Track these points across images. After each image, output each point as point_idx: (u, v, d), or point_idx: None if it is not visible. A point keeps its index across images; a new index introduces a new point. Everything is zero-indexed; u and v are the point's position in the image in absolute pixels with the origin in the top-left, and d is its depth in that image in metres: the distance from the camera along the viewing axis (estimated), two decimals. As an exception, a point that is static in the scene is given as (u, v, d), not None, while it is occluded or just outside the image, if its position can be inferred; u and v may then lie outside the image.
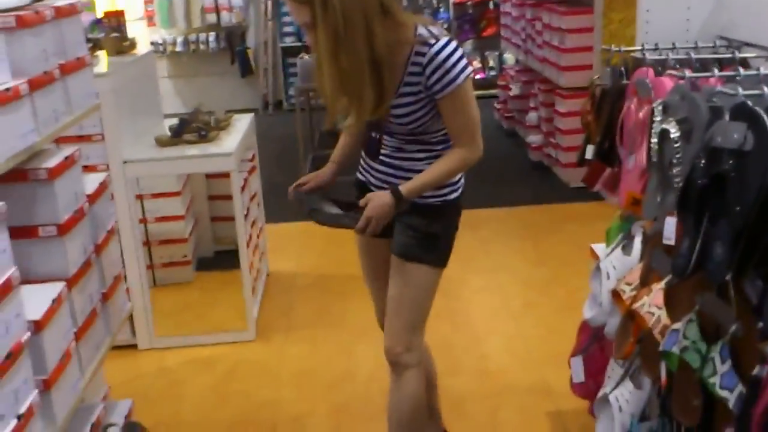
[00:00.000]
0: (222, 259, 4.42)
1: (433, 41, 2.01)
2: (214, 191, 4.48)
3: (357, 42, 1.95)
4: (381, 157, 2.24)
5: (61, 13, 2.01)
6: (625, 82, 2.11)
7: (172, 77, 8.55)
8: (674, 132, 1.68)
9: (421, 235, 2.21)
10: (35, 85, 1.80)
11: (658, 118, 1.79)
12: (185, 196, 4.21)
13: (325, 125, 2.24)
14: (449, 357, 3.32)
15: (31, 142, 1.76)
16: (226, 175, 3.90)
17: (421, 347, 2.33)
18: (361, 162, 2.36)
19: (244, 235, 3.57)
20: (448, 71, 2.01)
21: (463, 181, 2.30)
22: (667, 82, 1.87)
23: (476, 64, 8.76)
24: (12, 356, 1.53)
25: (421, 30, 2.03)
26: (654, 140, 1.79)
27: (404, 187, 2.11)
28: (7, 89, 1.65)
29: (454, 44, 2.03)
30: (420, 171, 2.16)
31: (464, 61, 2.04)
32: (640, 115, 1.93)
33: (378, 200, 2.09)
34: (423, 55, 2.02)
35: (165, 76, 8.35)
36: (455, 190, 2.26)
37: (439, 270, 2.27)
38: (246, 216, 3.72)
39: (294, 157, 5.96)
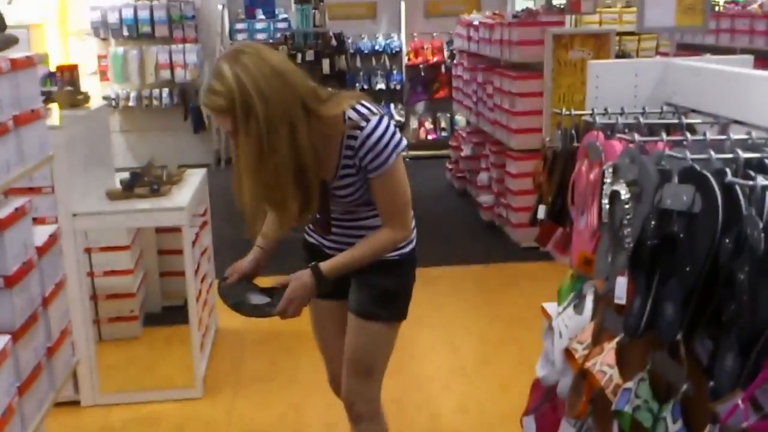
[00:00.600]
0: (170, 314, 4.35)
1: (363, 123, 2.01)
2: (164, 246, 4.43)
3: (281, 151, 1.92)
4: (333, 223, 2.23)
5: (17, 65, 2.00)
6: (575, 144, 2.17)
7: (124, 131, 8.50)
8: (624, 194, 1.72)
9: (378, 293, 2.21)
10: (-12, 134, 1.78)
11: (608, 180, 1.84)
12: (134, 250, 4.15)
13: (246, 235, 2.21)
14: (401, 416, 3.29)
15: (-19, 192, 1.73)
16: (176, 230, 3.86)
17: (378, 399, 2.33)
18: (309, 226, 2.33)
19: (193, 290, 3.52)
20: (379, 153, 2.02)
21: (415, 232, 2.32)
22: (617, 146, 1.92)
23: (428, 125, 8.91)
24: (-48, 412, 1.47)
25: (351, 113, 2.02)
26: (605, 201, 1.84)
27: (326, 266, 2.10)
28: (-40, 138, 1.63)
29: (384, 122, 2.04)
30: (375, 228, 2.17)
31: (395, 138, 2.04)
32: (591, 176, 1.97)
33: (298, 281, 2.09)
34: (355, 138, 2.03)
35: (117, 131, 8.29)
36: (410, 242, 2.27)
37: (397, 324, 2.29)
38: (196, 271, 3.67)
39: (246, 212, 5.91)
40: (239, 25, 8.53)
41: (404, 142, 2.08)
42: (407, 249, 2.25)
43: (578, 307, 2.15)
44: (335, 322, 2.35)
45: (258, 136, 1.88)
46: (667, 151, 1.71)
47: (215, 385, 3.57)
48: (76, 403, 3.40)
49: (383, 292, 2.21)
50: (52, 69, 4.19)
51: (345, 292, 2.27)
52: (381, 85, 8.76)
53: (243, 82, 1.85)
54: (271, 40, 8.41)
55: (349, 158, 2.05)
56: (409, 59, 8.76)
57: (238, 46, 1.97)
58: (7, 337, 1.78)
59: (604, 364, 1.84)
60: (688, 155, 1.60)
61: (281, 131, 1.90)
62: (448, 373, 3.72)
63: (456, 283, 4.97)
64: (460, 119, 8.22)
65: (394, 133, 2.05)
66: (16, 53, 2.10)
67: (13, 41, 2.07)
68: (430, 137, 8.90)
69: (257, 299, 2.19)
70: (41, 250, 2.04)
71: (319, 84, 2.07)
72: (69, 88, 3.74)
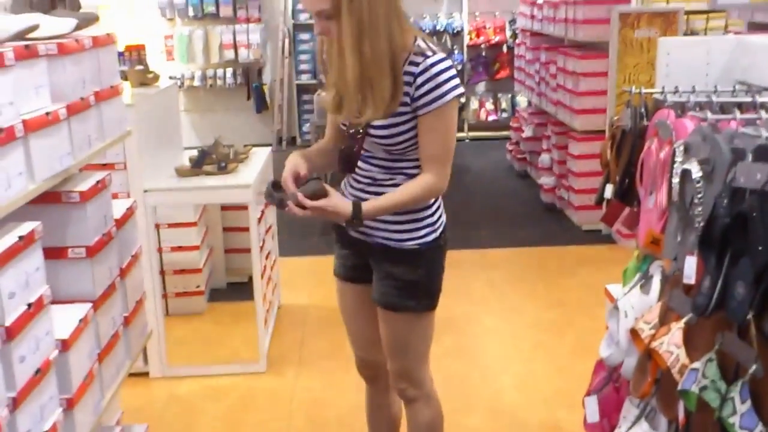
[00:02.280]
0: (234, 290, 4.46)
1: (429, 53, 2.00)
2: (229, 223, 4.53)
3: (379, 31, 1.94)
4: (354, 186, 2.19)
5: (98, 42, 2.07)
6: (645, 123, 2.15)
7: (188, 111, 8.65)
8: (696, 172, 1.71)
9: (401, 284, 2.16)
10: (72, 110, 1.85)
11: (679, 159, 1.82)
12: (201, 227, 4.25)
13: (341, 118, 2.13)
14: (462, 394, 3.32)
15: (66, 165, 1.80)
16: (241, 208, 3.95)
17: (428, 381, 2.32)
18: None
19: (258, 267, 3.60)
20: (438, 86, 1.98)
21: (443, 219, 2.26)
22: (688, 124, 1.90)
23: (489, 105, 8.85)
24: (40, 372, 1.55)
25: (420, 42, 2.02)
26: (675, 180, 1.82)
27: (365, 206, 2.04)
28: (48, 113, 1.70)
29: (449, 62, 2.01)
30: None
31: (456, 81, 2.01)
32: (661, 155, 1.96)
33: (338, 206, 2.01)
34: (417, 65, 1.99)
35: (182, 110, 8.45)
36: (434, 231, 2.19)
37: (426, 313, 2.22)
38: (261, 248, 3.75)
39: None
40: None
41: (462, 89, 2.04)
42: (429, 238, 2.17)
43: (645, 287, 2.14)
44: (361, 308, 2.32)
45: (360, 14, 1.92)
46: (741, 129, 1.69)
47: (279, 360, 3.65)
48: (145, 374, 3.52)
49: (407, 284, 2.16)
50: (121, 49, 4.30)
51: (367, 276, 2.24)
52: (442, 66, 8.73)
53: None
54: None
55: (405, 85, 2.01)
56: (470, 39, 8.70)
57: None
58: (88, 306, 1.85)
59: (671, 344, 1.84)
60: (763, 133, 1.58)
61: (381, 15, 1.93)
62: (506, 355, 3.73)
63: (516, 265, 4.96)
64: (522, 100, 8.14)
65: (454, 75, 2.01)
66: (95, 31, 2.17)
67: (93, 19, 2.14)
68: (490, 118, 8.85)
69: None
70: (119, 223, 2.11)
71: None
72: (140, 66, 3.83)
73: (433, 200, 2.20)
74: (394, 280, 2.15)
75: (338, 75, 2.03)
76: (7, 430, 1.42)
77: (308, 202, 1.97)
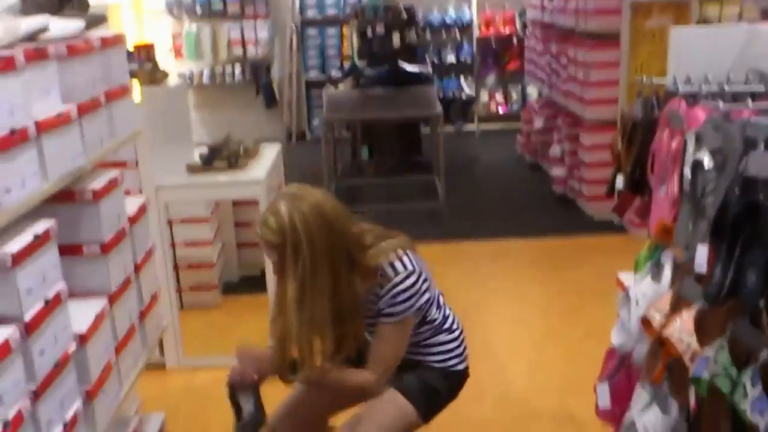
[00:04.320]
0: (247, 284, 4.49)
1: (393, 276, 2.07)
2: (241, 218, 4.56)
3: (321, 294, 2.00)
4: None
5: (107, 42, 2.09)
6: (656, 113, 2.15)
7: (197, 108, 8.68)
8: (708, 162, 1.72)
9: (425, 386, 2.25)
10: (83, 110, 1.87)
11: (691, 149, 1.83)
12: (213, 223, 4.28)
13: (272, 370, 2.20)
14: (473, 383, 3.31)
15: (79, 164, 1.82)
16: (252, 203, 3.96)
17: None
18: None
19: (270, 262, 3.61)
20: (394, 305, 2.07)
21: (467, 352, 2.36)
22: (700, 114, 1.90)
23: (499, 97, 8.85)
24: (59, 365, 1.58)
25: (387, 269, 2.08)
26: (687, 170, 1.83)
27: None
28: (59, 114, 1.72)
29: (413, 281, 2.08)
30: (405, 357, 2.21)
31: (415, 301, 2.09)
32: (673, 145, 1.96)
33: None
34: (382, 287, 2.08)
35: (191, 108, 8.47)
36: (461, 362, 2.33)
37: (417, 421, 2.24)
38: (273, 242, 3.77)
39: (319, 185, 6.00)
40: (310, 0, 8.60)
41: (424, 301, 2.13)
42: (461, 366, 2.34)
43: (656, 276, 2.15)
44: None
45: (302, 278, 1.98)
46: (753, 119, 1.69)
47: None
48: (161, 366, 3.56)
49: (432, 388, 2.25)
50: (129, 48, 4.32)
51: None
52: (451, 59, 8.72)
53: (296, 227, 1.95)
54: (341, 15, 8.47)
55: (372, 303, 2.11)
56: (480, 31, 8.69)
57: (297, 190, 2.06)
58: (104, 300, 1.88)
59: (683, 332, 1.85)
60: (774, 122, 1.59)
61: (324, 277, 1.99)
62: (518, 343, 3.75)
63: (527, 255, 4.96)
64: (532, 91, 8.13)
65: (415, 293, 2.09)
66: (104, 31, 2.19)
67: (101, 19, 2.16)
68: (500, 110, 8.84)
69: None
70: (132, 220, 2.14)
71: (365, 226, 2.15)
72: (148, 65, 3.85)
73: (458, 332, 2.34)
74: (424, 381, 2.24)
75: (280, 330, 2.08)
76: (30, 420, 1.45)
77: None
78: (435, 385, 2.26)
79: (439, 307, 2.29)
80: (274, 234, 1.97)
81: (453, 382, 2.32)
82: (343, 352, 2.12)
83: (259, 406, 2.25)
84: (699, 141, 1.79)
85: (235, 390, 2.24)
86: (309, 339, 2.04)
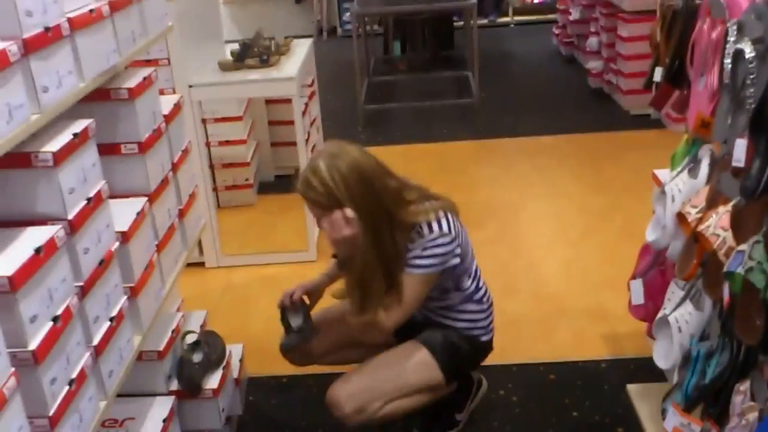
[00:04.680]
0: (282, 183, 4.53)
1: (427, 233, 2.13)
2: (274, 117, 4.55)
3: (366, 247, 2.08)
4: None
5: (136, -65, 2.05)
6: (697, 1, 2.08)
7: (227, 3, 8.54)
8: (749, 52, 1.66)
9: (450, 345, 2.31)
10: (115, 7, 1.86)
11: (732, 38, 1.77)
12: (246, 121, 4.29)
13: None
14: (507, 279, 3.39)
15: (113, 62, 1.83)
16: (285, 101, 3.96)
17: (371, 408, 2.24)
18: None
19: (305, 159, 3.63)
20: (420, 256, 2.13)
21: (493, 326, 2.41)
22: (743, 1, 1.83)
23: (534, -12, 8.59)
24: (104, 263, 1.63)
25: (424, 228, 2.13)
26: (727, 61, 1.78)
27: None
28: (91, 10, 1.71)
29: (446, 242, 2.13)
30: (432, 318, 2.34)
31: (441, 257, 2.14)
32: (713, 35, 1.90)
33: None
34: (414, 241, 2.14)
35: (221, 2, 8.34)
36: (486, 334, 2.38)
37: (439, 378, 2.29)
38: (307, 140, 3.78)
39: (350, 83, 5.97)
40: None
41: (452, 264, 2.17)
42: (486, 338, 2.39)
43: (693, 171, 2.13)
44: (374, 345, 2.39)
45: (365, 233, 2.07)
46: (798, 6, 1.63)
47: (328, 249, 3.71)
48: (201, 264, 3.65)
49: (455, 347, 2.32)
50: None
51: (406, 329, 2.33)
52: (485, -52, 8.44)
53: (337, 184, 2.03)
54: None
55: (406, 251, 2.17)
56: None
57: (335, 149, 2.10)
58: (144, 199, 1.92)
59: (718, 227, 1.84)
60: (822, 10, 1.53)
61: (368, 231, 2.07)
62: (552, 241, 3.77)
63: (563, 152, 4.92)
64: (569, -19, 7.86)
65: (445, 254, 2.14)
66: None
67: None
68: (536, 1, 8.59)
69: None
70: (168, 118, 2.15)
71: (408, 183, 2.20)
72: (177, -40, 3.78)
73: (487, 305, 2.39)
74: (447, 339, 2.31)
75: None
76: (78, 316, 1.51)
77: None
78: (459, 347, 2.33)
79: (472, 278, 2.33)
80: (314, 192, 2.06)
81: (476, 349, 2.39)
82: (392, 298, 2.19)
83: (307, 320, 2.35)
84: (740, 30, 1.73)
85: (285, 311, 2.35)
86: (365, 287, 2.14)
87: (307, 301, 2.42)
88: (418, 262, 2.14)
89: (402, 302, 2.17)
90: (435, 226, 2.14)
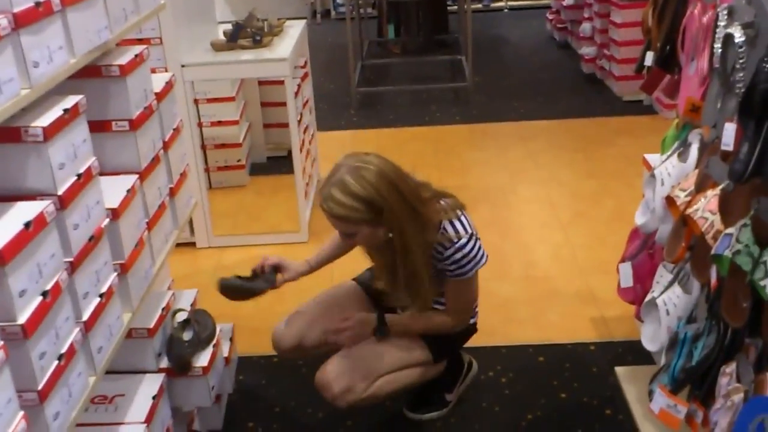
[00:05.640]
0: (274, 164, 4.53)
1: (456, 240, 2.17)
2: (267, 98, 4.55)
3: (410, 249, 2.14)
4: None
5: None
6: (689, -14, 2.08)
7: (220, -16, 8.50)
8: (739, 37, 1.67)
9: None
10: (106, -18, 1.84)
11: (722, 23, 1.78)
12: (239, 102, 4.28)
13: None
14: (497, 262, 3.39)
15: (104, 39, 1.82)
16: (278, 82, 3.95)
17: (363, 393, 2.27)
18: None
19: (297, 140, 3.64)
20: (462, 266, 2.20)
21: (477, 308, 2.46)
22: (735, -14, 1.84)
23: (529, -27, 8.56)
24: (94, 239, 1.63)
25: (447, 226, 2.18)
26: (717, 45, 1.79)
27: (390, 320, 2.33)
28: (83, -15, 1.70)
29: (473, 242, 2.19)
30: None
31: (479, 259, 2.22)
32: (704, 19, 1.91)
33: (362, 316, 2.34)
34: (445, 248, 2.18)
35: (214, -17, 8.29)
36: (472, 317, 2.45)
37: (426, 355, 2.36)
38: (299, 122, 3.78)
39: (343, 65, 5.96)
40: None
41: (485, 259, 2.25)
42: (472, 321, 2.46)
43: (682, 155, 2.14)
44: (348, 307, 2.47)
45: (386, 229, 2.12)
46: (789, -9, 1.64)
47: (319, 230, 3.73)
48: (191, 245, 3.65)
49: (446, 334, 2.39)
50: None
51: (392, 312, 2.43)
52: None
53: (370, 195, 2.04)
54: None
55: (433, 258, 2.21)
56: None
57: (355, 160, 2.09)
58: (134, 177, 1.91)
59: (706, 210, 1.86)
60: (812, -6, 1.53)
61: (407, 234, 2.12)
62: (543, 225, 3.78)
63: (555, 137, 4.93)
64: (563, -34, 7.84)
65: (479, 254, 2.22)
66: None
67: None
68: (530, -14, 8.57)
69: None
70: (159, 96, 2.14)
71: (418, 181, 2.23)
72: (171, -62, 3.76)
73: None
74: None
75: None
76: (68, 291, 1.51)
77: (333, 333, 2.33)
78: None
79: None
80: (345, 208, 2.05)
81: (463, 332, 2.44)
82: (420, 297, 2.28)
83: (268, 280, 2.38)
84: (731, 14, 1.74)
85: (255, 274, 2.41)
86: (414, 289, 2.24)
87: (280, 274, 2.43)
88: (460, 271, 2.21)
89: (462, 305, 2.34)
90: (458, 225, 2.19)
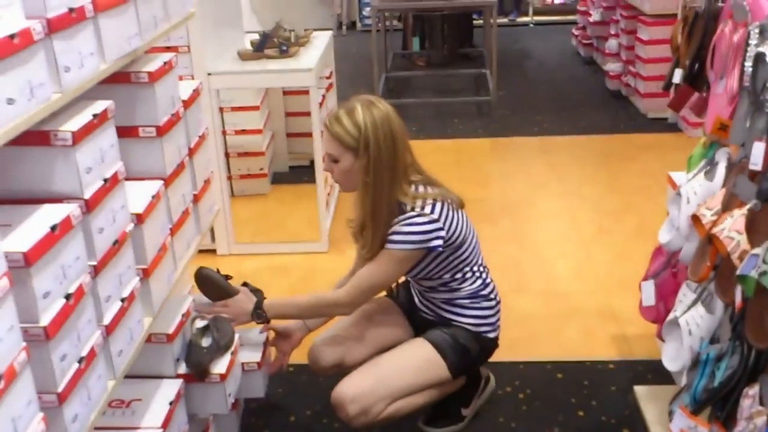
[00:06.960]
0: (296, 173, 4.55)
1: (409, 211, 2.17)
2: (291, 108, 4.57)
3: (375, 189, 2.17)
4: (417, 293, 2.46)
5: None
6: (720, 4, 2.07)
7: (247, -6, 8.57)
8: (770, 55, 1.66)
9: (457, 343, 2.33)
10: (138, -11, 1.86)
11: (753, 42, 1.77)
12: (263, 111, 4.31)
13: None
14: (516, 275, 3.39)
15: (135, 46, 1.83)
16: (302, 92, 3.97)
17: (380, 411, 2.25)
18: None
19: (320, 150, 3.64)
20: (398, 234, 2.17)
21: (500, 323, 2.42)
22: (765, 5, 1.83)
23: (556, -12, 8.56)
24: (118, 243, 1.64)
25: (408, 211, 2.18)
26: (748, 64, 1.77)
27: (268, 302, 2.34)
28: (114, -8, 1.71)
29: (425, 223, 2.16)
30: (440, 314, 2.38)
31: (420, 239, 2.16)
32: (735, 38, 1.90)
33: (240, 301, 2.36)
34: (400, 220, 2.19)
35: (241, -8, 8.36)
36: (493, 331, 2.40)
37: (446, 375, 2.32)
38: (322, 132, 3.78)
39: (368, 77, 5.98)
40: None
41: (423, 248, 2.19)
42: (493, 335, 2.40)
43: (709, 174, 2.12)
44: (384, 322, 2.46)
45: (365, 169, 2.16)
46: (822, 10, 1.62)
47: (339, 240, 3.74)
48: (212, 251, 3.67)
49: (460, 344, 2.33)
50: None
51: (420, 330, 2.42)
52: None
53: (367, 129, 2.13)
54: None
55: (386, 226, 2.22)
56: None
57: (372, 98, 2.21)
58: (159, 182, 1.92)
59: (733, 230, 1.84)
60: None
61: (377, 182, 2.16)
62: (564, 239, 3.76)
63: (578, 152, 4.91)
64: (590, -18, 7.82)
65: (424, 236, 2.17)
66: None
67: None
68: (557, 1, 8.57)
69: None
70: (186, 104, 2.15)
71: (418, 166, 2.27)
72: (200, -53, 3.80)
73: (495, 302, 2.40)
74: (452, 338, 2.33)
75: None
76: (90, 294, 1.52)
77: (206, 309, 2.33)
78: (467, 345, 2.35)
79: (478, 273, 2.36)
80: (343, 129, 2.15)
81: (483, 346, 2.39)
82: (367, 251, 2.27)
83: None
84: (762, 33, 1.72)
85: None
86: (362, 227, 2.26)
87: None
88: (392, 237, 2.18)
89: (364, 279, 2.24)
90: (418, 206, 2.18)
